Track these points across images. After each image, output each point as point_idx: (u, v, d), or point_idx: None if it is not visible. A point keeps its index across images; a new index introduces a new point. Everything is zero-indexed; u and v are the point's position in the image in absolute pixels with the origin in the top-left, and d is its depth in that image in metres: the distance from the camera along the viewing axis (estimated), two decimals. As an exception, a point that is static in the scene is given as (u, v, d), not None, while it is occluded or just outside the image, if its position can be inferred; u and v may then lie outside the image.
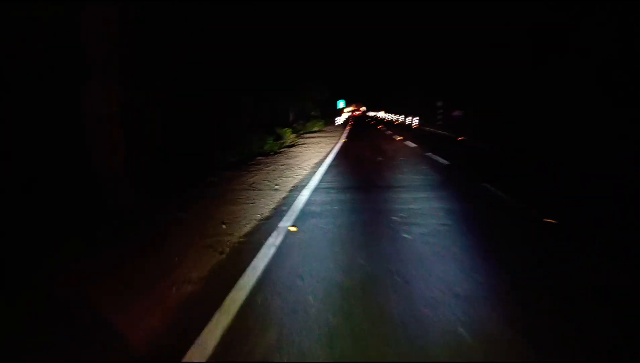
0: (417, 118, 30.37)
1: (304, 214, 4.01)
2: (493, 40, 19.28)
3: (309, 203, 4.52)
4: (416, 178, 6.20)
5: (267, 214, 4.09)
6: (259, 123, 16.86)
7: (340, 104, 46.65)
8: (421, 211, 4.03)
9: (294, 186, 5.55)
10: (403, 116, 38.12)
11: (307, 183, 5.75)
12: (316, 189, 5.28)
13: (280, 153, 10.11)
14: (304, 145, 12.07)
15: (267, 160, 8.51)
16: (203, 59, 10.59)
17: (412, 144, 11.96)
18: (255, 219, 3.87)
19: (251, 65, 14.90)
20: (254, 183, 5.85)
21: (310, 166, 7.45)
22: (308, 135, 16.83)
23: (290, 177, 6.29)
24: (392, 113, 48.51)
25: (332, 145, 11.95)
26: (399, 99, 47.76)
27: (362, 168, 7.60)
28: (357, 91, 69.59)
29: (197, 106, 10.71)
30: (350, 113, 57.88)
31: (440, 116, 26.15)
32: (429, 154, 9.27)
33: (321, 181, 5.94)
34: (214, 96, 11.97)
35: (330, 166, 7.45)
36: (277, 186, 5.57)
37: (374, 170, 7.12)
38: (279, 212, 4.14)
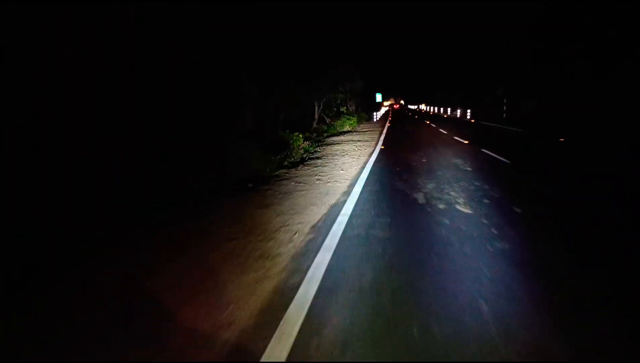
0: (469, 110, 24.25)
1: None
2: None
3: None
4: None
5: None
6: (270, 124, 12.40)
7: (378, 97, 41.19)
8: None
9: None
10: (449, 108, 31.90)
11: None
12: None
13: (270, 180, 5.53)
14: (318, 161, 7.33)
15: (225, 211, 3.96)
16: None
17: (500, 157, 6.77)
18: None
19: (261, 44, 10.47)
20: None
21: (292, 252, 2.73)
22: (332, 139, 11.99)
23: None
24: (434, 105, 42.17)
25: (364, 160, 7.11)
26: (442, 90, 41.25)
27: (437, 254, 2.70)
28: (395, 84, 63.55)
29: (173, 101, 6.62)
30: (388, 107, 52.02)
31: (505, 107, 20.06)
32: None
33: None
34: (201, 86, 7.74)
35: (346, 253, 2.65)
36: None
37: (488, 277, 2.25)
38: None
